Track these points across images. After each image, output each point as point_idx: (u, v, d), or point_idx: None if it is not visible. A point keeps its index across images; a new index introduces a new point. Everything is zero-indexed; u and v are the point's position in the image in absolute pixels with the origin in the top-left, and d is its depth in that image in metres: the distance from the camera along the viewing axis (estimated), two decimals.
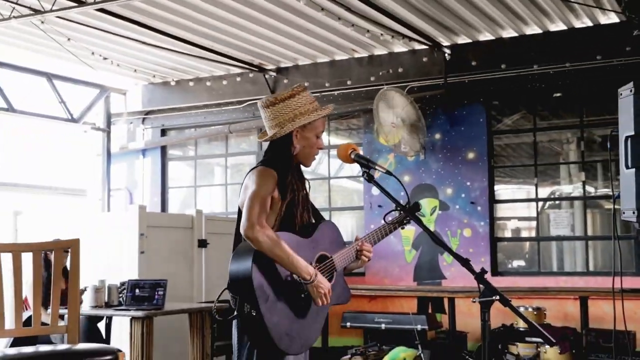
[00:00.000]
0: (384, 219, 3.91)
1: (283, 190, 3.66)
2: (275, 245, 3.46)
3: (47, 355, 3.21)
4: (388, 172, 3.56)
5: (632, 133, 4.04)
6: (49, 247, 3.48)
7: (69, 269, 5.42)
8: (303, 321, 3.64)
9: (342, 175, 11.00)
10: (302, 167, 3.88)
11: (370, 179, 3.60)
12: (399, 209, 3.59)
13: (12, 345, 5.33)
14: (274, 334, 3.45)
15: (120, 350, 3.24)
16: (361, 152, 3.74)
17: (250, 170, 3.75)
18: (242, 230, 3.51)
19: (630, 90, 4.08)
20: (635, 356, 7.36)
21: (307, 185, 3.87)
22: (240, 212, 3.67)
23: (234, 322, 3.69)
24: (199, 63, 10.57)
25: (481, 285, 3.19)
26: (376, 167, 3.64)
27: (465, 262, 3.21)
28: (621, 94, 4.18)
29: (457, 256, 3.26)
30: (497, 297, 3.09)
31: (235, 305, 3.55)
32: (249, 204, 3.53)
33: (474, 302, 3.10)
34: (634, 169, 4.03)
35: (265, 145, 3.90)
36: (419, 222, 3.50)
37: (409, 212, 3.51)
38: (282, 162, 3.74)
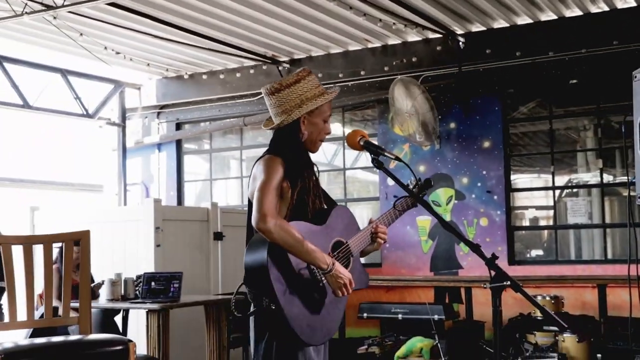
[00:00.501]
0: (394, 205, 3.89)
1: (293, 179, 3.59)
2: (289, 236, 3.39)
3: (59, 346, 3.23)
4: (397, 159, 3.52)
5: None
6: (59, 239, 3.48)
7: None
8: (324, 311, 3.59)
9: (357, 166, 10.99)
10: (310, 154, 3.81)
11: (379, 165, 3.56)
12: (408, 194, 3.56)
13: (31, 336, 5.38)
14: (295, 326, 3.40)
15: (130, 341, 3.25)
16: (370, 139, 3.68)
17: (257, 160, 3.67)
18: (253, 223, 3.43)
19: None
20: None
21: (316, 171, 3.80)
22: (250, 204, 3.60)
23: (253, 320, 3.63)
24: (212, 56, 10.56)
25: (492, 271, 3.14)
26: (385, 154, 3.58)
27: (475, 248, 3.18)
28: (636, 77, 4.14)
29: (467, 242, 3.24)
30: (508, 283, 3.04)
31: (253, 299, 3.51)
32: (258, 195, 3.45)
33: (485, 287, 3.07)
34: None
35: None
36: (427, 206, 3.45)
37: (418, 198, 3.48)
38: (291, 150, 3.66)
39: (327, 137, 3.81)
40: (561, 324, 3.26)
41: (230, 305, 3.56)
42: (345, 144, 3.81)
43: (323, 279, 3.53)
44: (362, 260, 4.00)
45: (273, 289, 3.35)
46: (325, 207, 3.82)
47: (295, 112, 3.64)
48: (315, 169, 3.80)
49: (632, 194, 4.52)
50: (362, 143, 3.61)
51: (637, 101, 4.14)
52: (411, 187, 3.89)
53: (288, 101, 3.65)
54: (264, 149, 3.71)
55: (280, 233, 3.37)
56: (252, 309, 3.54)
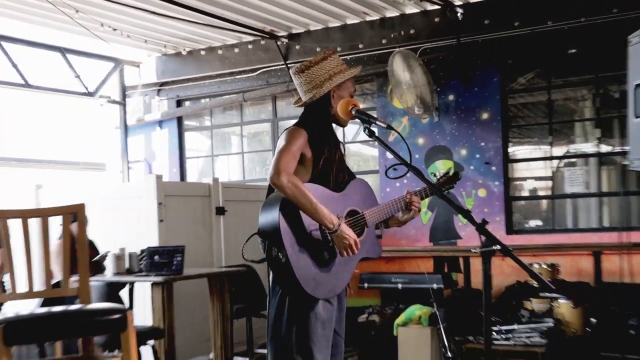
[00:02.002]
0: (385, 173, 3.95)
1: (317, 149, 3.77)
2: (300, 193, 3.54)
3: (58, 315, 3.27)
4: (389, 127, 3.56)
5: None
6: (55, 212, 3.52)
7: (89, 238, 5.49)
8: (331, 268, 3.73)
9: (358, 140, 11.00)
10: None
11: (371, 134, 3.60)
12: (402, 163, 3.58)
13: (42, 305, 5.45)
14: (299, 276, 3.54)
15: (129, 309, 3.29)
16: (362, 109, 3.71)
17: (282, 132, 3.83)
18: (268, 178, 3.59)
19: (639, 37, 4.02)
20: None
21: (342, 148, 3.99)
22: None
23: (271, 274, 3.76)
24: (210, 32, 10.52)
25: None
26: (377, 122, 3.63)
27: (466, 214, 3.21)
28: (631, 41, 4.12)
29: (457, 207, 3.26)
30: (498, 247, 3.07)
31: (265, 250, 3.62)
32: (277, 156, 3.62)
33: (475, 251, 3.10)
34: None
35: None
36: (422, 177, 3.48)
37: (411, 167, 3.50)
38: (317, 122, 3.85)
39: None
40: (546, 284, 3.29)
41: (241, 253, 3.70)
42: (338, 112, 3.81)
43: (332, 242, 3.66)
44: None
45: (282, 241, 3.51)
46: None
47: (325, 85, 3.82)
48: (342, 146, 3.99)
49: (625, 162, 4.49)
50: (353, 112, 3.65)
51: (632, 65, 4.13)
52: (437, 177, 4.19)
53: (318, 76, 3.84)
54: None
55: (292, 189, 3.53)
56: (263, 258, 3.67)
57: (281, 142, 3.69)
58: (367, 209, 3.91)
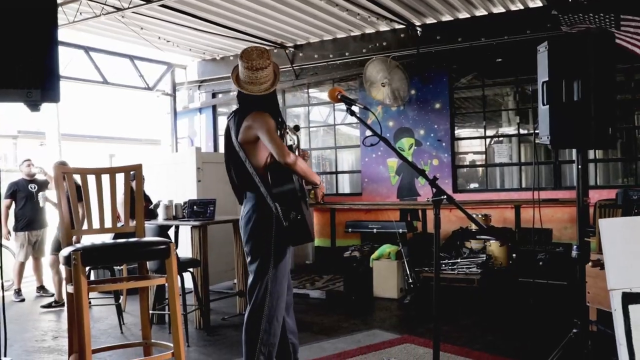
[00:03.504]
0: (362, 142, 3.87)
1: (278, 129, 3.57)
2: (303, 165, 3.49)
3: (121, 244, 3.22)
4: (365, 108, 3.44)
5: (547, 79, 3.95)
6: (120, 170, 3.45)
7: (145, 193, 5.39)
8: (311, 218, 3.67)
9: (346, 122, 10.92)
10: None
11: (352, 113, 3.51)
12: (374, 134, 3.49)
13: (114, 239, 5.43)
14: (309, 229, 3.50)
15: (171, 242, 3.23)
16: (345, 94, 3.62)
17: (246, 114, 3.56)
18: (280, 160, 3.40)
19: (545, 47, 3.98)
20: (551, 245, 7.38)
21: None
22: (242, 147, 3.55)
23: (256, 226, 3.55)
24: (237, 43, 10.39)
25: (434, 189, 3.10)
26: (356, 104, 3.54)
27: (421, 172, 3.14)
28: (539, 50, 4.08)
29: (414, 166, 3.19)
30: (445, 197, 3.01)
31: (283, 213, 3.44)
32: (274, 142, 3.41)
33: (428, 201, 3.04)
34: (547, 106, 3.94)
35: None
36: (387, 143, 3.36)
37: (381, 137, 3.40)
38: (275, 108, 3.64)
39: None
40: (479, 223, 3.25)
41: (279, 214, 3.47)
42: (327, 97, 3.72)
43: (312, 191, 3.70)
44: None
45: (300, 205, 3.45)
46: None
47: (276, 82, 3.64)
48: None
49: (537, 141, 4.42)
50: (339, 97, 3.54)
51: (540, 67, 4.08)
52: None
53: (271, 73, 3.60)
54: (251, 114, 3.57)
55: (299, 164, 3.46)
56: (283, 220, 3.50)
57: (261, 127, 3.45)
58: None
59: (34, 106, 2.10)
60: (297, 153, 3.72)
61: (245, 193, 3.66)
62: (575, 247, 4.09)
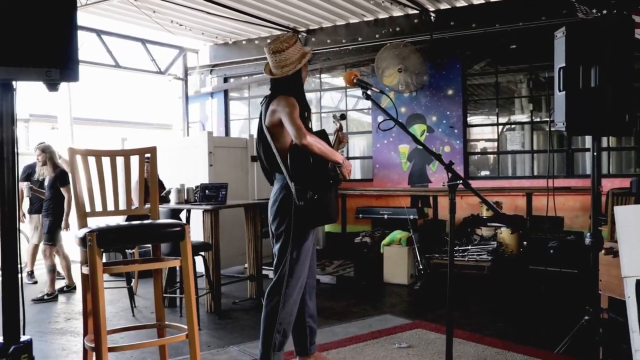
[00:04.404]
0: (378, 126, 3.88)
1: (301, 111, 3.62)
2: (322, 145, 3.51)
3: (136, 226, 3.23)
4: (381, 92, 3.46)
5: (564, 65, 3.91)
6: (134, 153, 3.45)
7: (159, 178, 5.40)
8: (333, 203, 3.71)
9: (357, 108, 10.88)
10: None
11: (368, 97, 3.50)
12: (389, 118, 3.49)
13: (126, 221, 5.43)
14: (329, 209, 3.56)
15: (186, 224, 3.24)
16: (362, 78, 3.61)
17: (270, 99, 3.69)
18: (297, 141, 3.47)
19: (563, 33, 3.94)
20: (562, 233, 7.36)
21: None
22: (269, 130, 3.65)
23: (278, 206, 3.66)
24: (249, 27, 10.38)
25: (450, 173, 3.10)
26: (372, 88, 3.55)
27: (437, 156, 3.14)
28: (556, 36, 4.04)
29: (429, 150, 3.18)
30: (461, 182, 3.01)
31: (299, 193, 3.54)
32: (294, 124, 3.48)
33: (444, 185, 3.03)
34: (564, 92, 3.91)
35: None
36: (404, 128, 3.38)
37: (397, 121, 3.41)
38: (299, 91, 3.71)
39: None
40: (494, 207, 3.24)
41: (295, 195, 3.59)
42: (343, 80, 3.75)
43: (339, 171, 3.68)
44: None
45: (317, 185, 3.51)
46: None
47: (303, 61, 3.70)
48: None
49: (553, 128, 4.39)
50: (355, 80, 3.56)
51: (557, 53, 4.03)
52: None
53: (295, 54, 3.68)
54: (277, 97, 3.67)
55: (316, 144, 3.49)
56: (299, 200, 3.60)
57: (284, 110, 3.53)
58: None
59: (52, 85, 2.10)
60: (336, 138, 3.89)
61: (274, 174, 3.79)
62: (588, 234, 4.08)
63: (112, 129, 17.62)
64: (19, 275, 2.70)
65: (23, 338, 2.69)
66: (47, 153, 7.29)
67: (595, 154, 4.08)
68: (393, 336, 4.93)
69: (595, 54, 3.82)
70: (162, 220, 3.42)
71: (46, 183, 7.33)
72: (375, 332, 5.06)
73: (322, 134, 3.71)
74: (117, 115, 18.72)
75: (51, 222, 7.23)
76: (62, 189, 7.24)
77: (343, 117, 3.93)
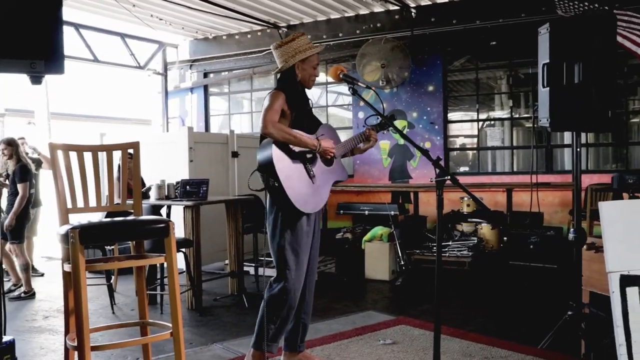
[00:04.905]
0: (365, 122, 3.86)
1: (292, 105, 3.65)
2: (285, 132, 3.51)
3: (119, 222, 3.17)
4: (367, 87, 3.43)
5: (547, 61, 3.91)
6: (117, 148, 3.38)
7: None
8: (314, 188, 3.68)
9: (337, 104, 10.86)
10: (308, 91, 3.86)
11: (354, 92, 3.48)
12: (377, 114, 3.48)
13: (106, 217, 5.31)
14: (291, 196, 3.52)
15: (170, 221, 3.18)
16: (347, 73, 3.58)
17: (267, 94, 3.72)
18: (260, 130, 3.54)
19: (547, 29, 3.94)
20: (542, 229, 7.40)
21: (310, 104, 3.87)
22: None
23: (268, 198, 3.70)
24: (229, 22, 10.31)
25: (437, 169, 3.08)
26: (358, 83, 3.54)
27: (424, 152, 3.12)
28: (540, 32, 4.03)
29: (418, 147, 3.16)
30: (448, 177, 2.99)
31: (264, 181, 3.58)
32: (263, 113, 3.55)
33: (432, 181, 3.01)
34: (548, 88, 3.91)
35: None
36: (394, 126, 3.39)
37: (386, 118, 3.40)
38: (290, 87, 3.71)
39: (315, 83, 3.85)
40: (482, 203, 3.22)
41: (247, 184, 3.68)
42: (329, 75, 3.73)
43: (312, 172, 3.64)
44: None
45: (276, 172, 3.49)
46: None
47: (290, 61, 3.71)
48: (310, 102, 3.88)
49: (537, 125, 4.40)
50: (341, 76, 3.54)
51: (541, 49, 4.04)
52: (377, 122, 3.98)
53: (286, 53, 3.72)
54: (269, 91, 3.72)
55: (279, 131, 3.50)
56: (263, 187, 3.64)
57: (266, 103, 3.61)
58: (335, 144, 3.85)
59: (36, 78, 2.03)
60: (361, 135, 3.91)
61: None
62: (572, 230, 4.09)
63: (91, 124, 17.41)
64: (2, 279, 2.62)
65: (5, 338, 2.62)
66: (13, 147, 7.02)
67: (578, 149, 4.10)
68: (377, 332, 4.91)
69: (579, 51, 3.83)
70: (146, 217, 3.36)
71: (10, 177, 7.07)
72: (359, 328, 5.04)
73: (328, 128, 3.85)
74: (96, 110, 18.48)
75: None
76: (18, 185, 6.88)
77: (393, 118, 3.97)
